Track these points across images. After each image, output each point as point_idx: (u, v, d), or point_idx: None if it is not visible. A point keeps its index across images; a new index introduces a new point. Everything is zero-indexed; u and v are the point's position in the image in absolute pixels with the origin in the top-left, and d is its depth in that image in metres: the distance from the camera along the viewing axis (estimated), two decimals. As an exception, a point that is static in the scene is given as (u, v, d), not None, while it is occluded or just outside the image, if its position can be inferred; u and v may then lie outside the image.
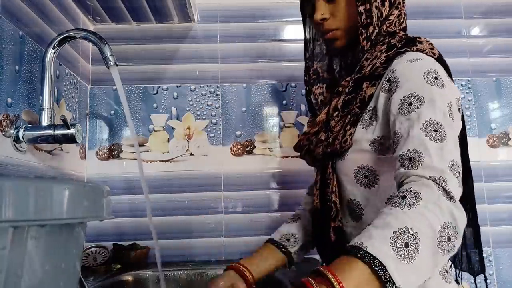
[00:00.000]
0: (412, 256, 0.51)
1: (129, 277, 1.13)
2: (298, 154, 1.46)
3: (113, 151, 1.40)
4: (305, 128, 0.96)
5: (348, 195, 0.78)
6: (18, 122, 0.91)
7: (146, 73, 1.45)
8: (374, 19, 0.78)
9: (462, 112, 0.77)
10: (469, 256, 0.82)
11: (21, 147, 0.91)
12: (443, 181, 0.58)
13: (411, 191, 0.57)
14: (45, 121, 0.92)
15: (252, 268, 0.84)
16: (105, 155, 1.40)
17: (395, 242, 0.51)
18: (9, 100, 0.89)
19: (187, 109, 1.44)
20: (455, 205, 0.57)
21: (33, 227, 0.26)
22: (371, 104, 0.74)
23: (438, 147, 0.61)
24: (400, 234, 0.52)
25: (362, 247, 0.52)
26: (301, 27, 1.51)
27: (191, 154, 1.42)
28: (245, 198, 1.40)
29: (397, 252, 0.51)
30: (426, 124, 0.63)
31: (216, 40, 1.48)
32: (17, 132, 0.90)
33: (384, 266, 0.50)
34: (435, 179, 0.58)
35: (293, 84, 1.47)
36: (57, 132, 0.91)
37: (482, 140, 1.48)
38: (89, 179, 1.37)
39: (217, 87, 1.46)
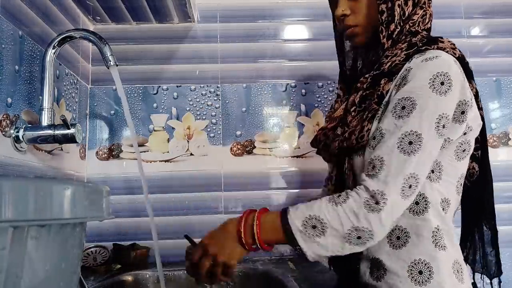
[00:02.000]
0: (315, 235, 0.68)
1: (129, 277, 1.13)
2: (298, 154, 1.47)
3: (113, 151, 1.40)
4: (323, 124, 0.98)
5: None
6: (18, 122, 0.91)
7: (146, 73, 1.45)
8: (396, 18, 0.79)
9: (482, 118, 0.78)
10: (486, 258, 0.83)
11: (21, 147, 0.91)
12: (381, 195, 0.66)
13: (346, 194, 0.69)
14: (45, 121, 0.92)
15: None
16: (105, 155, 1.40)
17: (306, 222, 0.69)
18: (9, 100, 0.89)
19: (187, 109, 1.44)
20: (378, 216, 0.66)
21: (33, 227, 0.26)
22: (385, 99, 0.75)
23: (402, 160, 0.67)
24: (313, 218, 0.68)
25: (288, 212, 0.71)
26: (300, 27, 1.53)
27: (191, 154, 1.42)
28: (245, 198, 1.40)
29: (305, 229, 0.68)
30: (405, 135, 0.68)
31: (216, 40, 1.48)
32: (17, 132, 0.90)
33: (292, 233, 0.69)
34: (375, 193, 0.67)
35: (293, 84, 1.47)
36: (57, 132, 0.91)
37: (482, 140, 1.48)
38: (89, 179, 1.37)
39: (217, 87, 1.46)
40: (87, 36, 0.93)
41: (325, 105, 1.46)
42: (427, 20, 0.83)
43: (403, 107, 0.70)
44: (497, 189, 1.44)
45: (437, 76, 0.69)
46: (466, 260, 0.81)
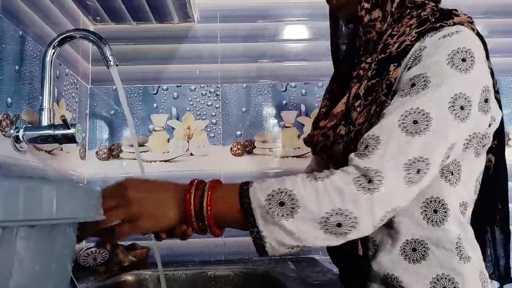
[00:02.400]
0: (281, 215, 0.53)
1: (129, 277, 1.13)
2: (298, 154, 1.47)
3: (113, 151, 1.40)
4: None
5: None
6: (18, 122, 0.91)
7: (146, 73, 1.45)
8: None
9: (500, 102, 0.70)
10: (497, 262, 0.73)
11: (21, 147, 0.91)
12: (376, 173, 0.53)
13: (330, 170, 0.57)
14: (45, 121, 0.92)
15: None
16: (105, 155, 1.40)
17: (273, 196, 0.54)
18: (9, 100, 0.89)
19: (187, 109, 1.44)
20: (370, 197, 0.52)
21: (23, 228, 0.26)
22: (394, 87, 0.63)
23: (405, 141, 0.55)
24: (282, 192, 0.53)
25: (250, 184, 0.57)
26: (300, 27, 1.53)
27: (191, 154, 1.42)
28: (245, 198, 1.39)
29: (269, 204, 0.53)
30: (409, 113, 0.56)
31: (216, 40, 1.48)
32: (17, 132, 0.90)
33: (251, 208, 0.54)
34: (367, 169, 0.54)
35: (293, 84, 1.47)
36: (57, 132, 0.91)
37: (482, 140, 1.48)
38: (89, 179, 1.37)
39: (217, 87, 1.46)
40: (87, 36, 0.93)
41: (325, 105, 1.46)
42: None
43: (413, 85, 0.58)
44: (497, 189, 1.45)
45: (458, 52, 0.58)
46: None
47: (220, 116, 1.44)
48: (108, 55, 0.90)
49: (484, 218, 0.73)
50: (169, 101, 1.44)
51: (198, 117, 1.44)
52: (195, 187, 0.58)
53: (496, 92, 0.69)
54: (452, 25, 0.62)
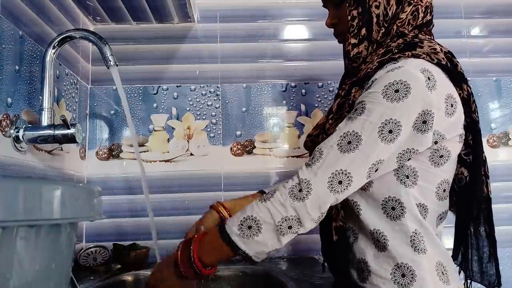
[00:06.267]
0: (253, 235, 0.70)
1: (129, 277, 1.13)
2: (298, 154, 1.47)
3: (113, 151, 1.40)
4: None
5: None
6: (18, 122, 0.91)
7: (146, 73, 1.45)
8: (374, 20, 0.77)
9: (475, 122, 0.76)
10: (483, 268, 0.80)
11: (21, 147, 0.91)
12: (307, 184, 0.68)
13: (274, 189, 0.72)
14: (45, 121, 0.92)
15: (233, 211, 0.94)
16: (105, 155, 1.40)
17: (242, 224, 0.70)
18: (9, 100, 0.89)
19: (187, 109, 1.44)
20: (304, 203, 0.68)
21: (22, 228, 0.26)
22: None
23: (337, 156, 0.69)
24: (247, 219, 0.70)
25: (224, 223, 0.73)
26: (300, 27, 1.53)
27: (191, 154, 1.42)
28: (245, 198, 1.39)
29: (242, 231, 0.70)
30: (346, 134, 0.70)
31: (216, 40, 1.48)
32: (17, 132, 0.90)
33: (231, 239, 0.71)
34: (301, 181, 0.69)
35: (293, 84, 1.47)
36: (57, 132, 0.91)
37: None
38: (89, 179, 1.37)
39: (217, 87, 1.46)
40: (87, 36, 0.93)
41: (325, 105, 1.46)
42: (420, 15, 0.79)
43: (355, 110, 0.71)
44: (497, 189, 1.45)
45: (393, 84, 0.68)
46: (460, 266, 0.80)
47: (220, 116, 1.44)
48: (108, 55, 0.90)
49: (462, 225, 0.82)
50: (169, 101, 1.44)
51: (198, 117, 1.44)
52: (181, 251, 0.75)
53: (473, 112, 0.76)
54: (409, 57, 0.71)
